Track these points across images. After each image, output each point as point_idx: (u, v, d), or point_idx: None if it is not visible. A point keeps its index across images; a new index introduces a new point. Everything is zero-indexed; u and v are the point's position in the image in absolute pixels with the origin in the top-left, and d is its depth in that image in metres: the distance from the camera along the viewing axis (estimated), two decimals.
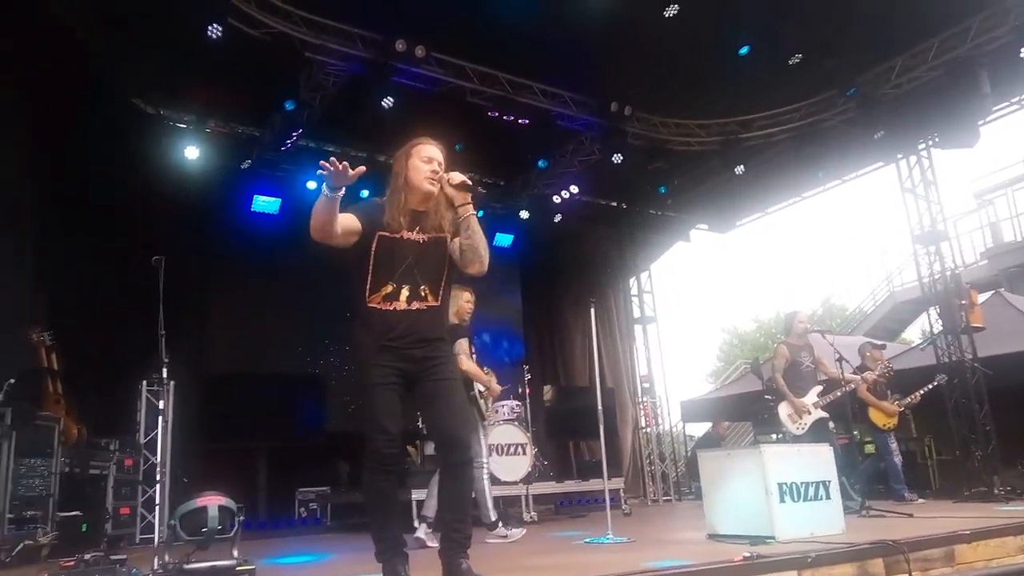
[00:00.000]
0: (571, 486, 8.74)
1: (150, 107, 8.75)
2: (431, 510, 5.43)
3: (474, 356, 5.77)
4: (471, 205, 3.18)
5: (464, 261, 3.20)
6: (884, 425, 7.85)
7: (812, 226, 56.45)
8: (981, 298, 9.45)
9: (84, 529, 5.79)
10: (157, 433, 6.73)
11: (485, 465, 5.67)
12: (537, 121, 8.97)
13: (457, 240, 3.22)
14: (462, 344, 5.55)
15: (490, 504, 5.58)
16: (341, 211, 3.05)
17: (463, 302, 5.68)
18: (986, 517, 5.11)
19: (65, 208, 7.88)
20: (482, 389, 5.77)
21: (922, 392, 7.94)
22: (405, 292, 3.15)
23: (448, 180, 3.19)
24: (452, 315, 5.48)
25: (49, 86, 7.21)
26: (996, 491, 7.47)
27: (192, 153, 8.62)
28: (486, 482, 5.63)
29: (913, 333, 19.10)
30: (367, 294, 3.18)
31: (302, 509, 8.83)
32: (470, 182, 3.19)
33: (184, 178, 8.59)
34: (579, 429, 10.42)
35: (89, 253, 7.92)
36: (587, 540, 5.08)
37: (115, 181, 8.10)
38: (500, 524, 5.59)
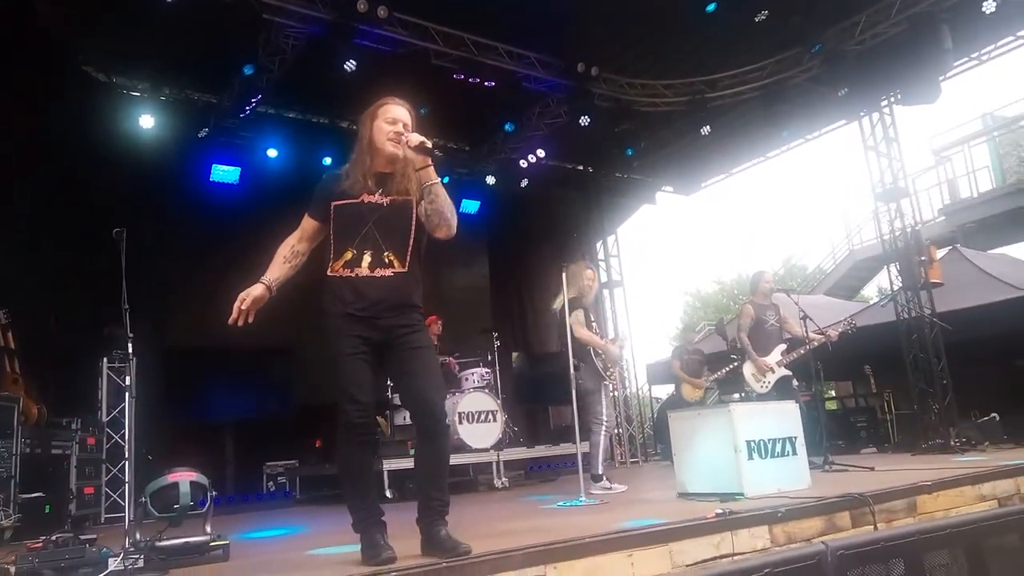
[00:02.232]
0: (542, 451, 8.82)
1: (102, 75, 8.45)
2: (599, 466, 5.98)
3: (594, 325, 6.24)
4: (431, 168, 3.11)
5: (430, 225, 3.14)
6: (691, 398, 8.69)
7: (774, 187, 57.06)
8: (939, 254, 9.66)
9: (47, 510, 5.68)
10: (119, 411, 6.63)
11: (604, 423, 6.10)
12: (503, 83, 8.83)
13: (422, 204, 3.15)
14: (578, 314, 6.04)
15: (601, 458, 6.01)
16: (309, 222, 3.21)
17: (586, 280, 6.26)
18: (944, 468, 5.29)
19: (17, 181, 7.60)
20: (600, 353, 6.12)
21: (726, 370, 8.40)
22: (367, 258, 3.08)
23: (407, 142, 3.11)
24: (574, 291, 6.13)
25: None
26: (952, 443, 7.71)
27: (147, 122, 8.37)
28: (602, 437, 6.07)
29: (871, 290, 19.52)
30: (330, 262, 3.13)
31: (270, 483, 8.78)
32: (429, 144, 3.09)
33: (140, 148, 8.35)
34: (548, 394, 10.49)
35: (43, 227, 7.69)
36: (560, 503, 5.14)
37: (68, 152, 7.83)
38: (605, 478, 5.94)
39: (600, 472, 5.97)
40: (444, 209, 3.11)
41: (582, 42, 8.84)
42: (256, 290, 3.07)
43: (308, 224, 3.22)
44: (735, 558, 3.24)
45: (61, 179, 7.82)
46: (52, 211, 7.75)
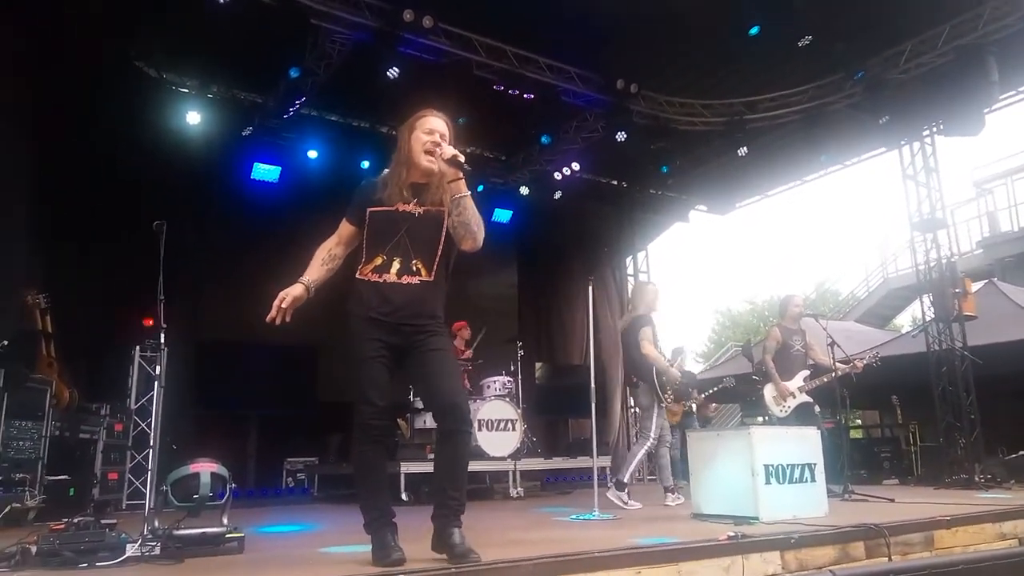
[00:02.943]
0: (559, 463, 8.82)
1: (153, 71, 8.66)
2: (627, 475, 6.10)
3: (658, 344, 6.32)
4: (462, 182, 3.16)
5: (456, 237, 3.20)
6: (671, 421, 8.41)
7: (810, 210, 56.37)
8: (975, 287, 9.49)
9: (72, 493, 5.82)
10: (147, 399, 6.78)
11: (650, 440, 6.19)
12: (542, 96, 8.88)
13: (450, 217, 3.21)
14: (646, 331, 6.19)
15: (632, 468, 6.20)
16: (346, 227, 3.30)
17: (650, 296, 6.45)
18: (965, 504, 5.19)
19: (64, 170, 7.82)
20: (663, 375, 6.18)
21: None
22: (396, 265, 3.15)
23: (440, 154, 3.17)
24: (641, 306, 6.35)
25: (52, 47, 7.13)
26: (977, 478, 7.57)
27: (194, 118, 8.57)
28: (642, 451, 6.22)
29: (904, 320, 19.19)
30: (361, 265, 3.22)
31: (289, 479, 8.90)
32: (461, 158, 3.14)
33: (185, 143, 8.56)
34: (569, 407, 10.49)
35: (87, 216, 7.89)
36: (573, 516, 5.14)
37: (116, 145, 8.05)
38: (627, 491, 6.03)
39: (625, 480, 6.06)
40: (471, 222, 3.15)
41: (622, 58, 8.86)
42: (296, 290, 3.16)
43: (345, 229, 3.31)
44: None
45: (109, 170, 8.05)
46: (98, 201, 7.96)
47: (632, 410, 12.08)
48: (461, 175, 3.16)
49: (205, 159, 8.77)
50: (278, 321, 3.14)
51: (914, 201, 9.38)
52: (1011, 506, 4.92)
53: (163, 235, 4.08)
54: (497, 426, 7.85)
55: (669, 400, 6.26)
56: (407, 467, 6.90)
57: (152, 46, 8.29)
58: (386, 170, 3.34)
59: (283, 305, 3.12)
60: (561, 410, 11.03)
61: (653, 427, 6.18)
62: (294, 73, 8.15)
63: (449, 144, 3.24)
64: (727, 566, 3.36)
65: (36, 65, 7.18)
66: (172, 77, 8.79)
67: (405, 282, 3.15)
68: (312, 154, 9.45)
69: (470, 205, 3.16)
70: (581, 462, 8.53)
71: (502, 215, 11.39)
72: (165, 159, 8.32)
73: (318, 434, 8.96)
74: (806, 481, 4.68)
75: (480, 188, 10.73)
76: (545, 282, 12.58)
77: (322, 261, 3.28)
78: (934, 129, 9.38)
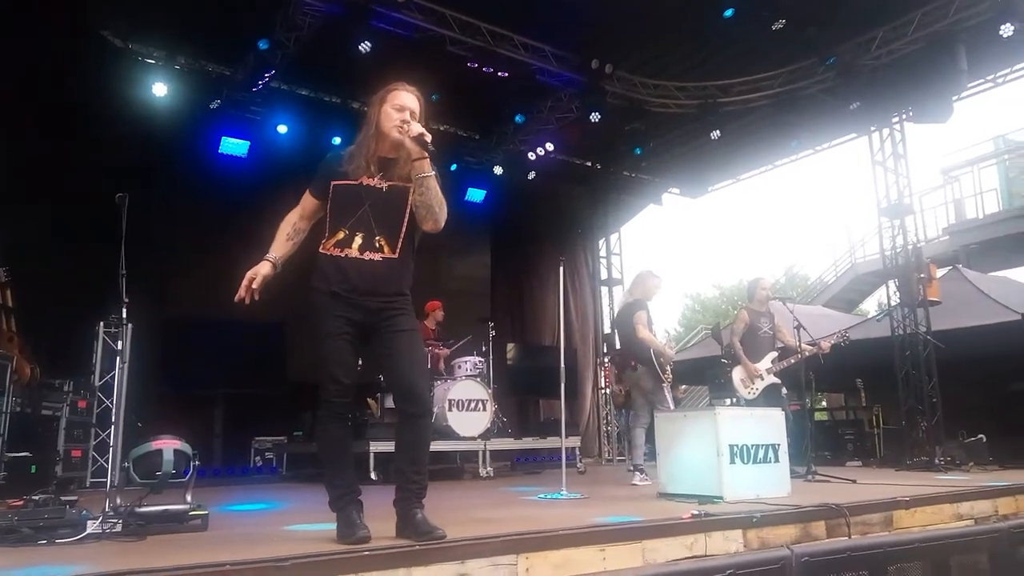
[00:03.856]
0: (529, 443, 8.86)
1: (118, 40, 8.46)
2: (639, 457, 6.40)
3: (652, 326, 6.53)
4: (427, 162, 3.10)
5: (418, 217, 3.16)
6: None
7: (780, 195, 56.91)
8: (940, 272, 9.65)
9: (33, 471, 5.71)
10: (112, 375, 6.67)
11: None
12: (516, 75, 8.83)
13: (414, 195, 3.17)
14: (640, 315, 6.38)
15: (640, 449, 6.47)
16: (309, 200, 3.26)
17: (650, 285, 6.64)
18: (925, 485, 5.31)
19: (26, 141, 7.62)
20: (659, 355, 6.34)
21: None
22: (358, 240, 3.11)
23: (407, 131, 3.12)
24: (639, 294, 6.55)
25: (13, 13, 6.90)
26: (937, 461, 7.75)
27: (160, 90, 8.39)
28: (638, 434, 6.52)
29: (871, 305, 19.51)
30: (324, 239, 3.18)
31: (257, 458, 8.84)
32: (428, 137, 3.10)
33: (151, 115, 8.38)
34: (540, 387, 10.51)
35: (49, 188, 7.71)
36: (541, 495, 5.18)
37: (79, 115, 7.86)
38: (641, 471, 6.25)
39: (640, 463, 6.35)
40: (432, 203, 3.11)
41: (598, 39, 8.84)
42: (263, 268, 3.15)
43: (308, 202, 3.27)
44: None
45: (72, 141, 7.86)
46: (61, 172, 7.78)
47: (603, 391, 12.21)
48: (426, 154, 3.11)
49: (172, 132, 8.59)
50: (247, 301, 3.11)
51: (882, 187, 9.49)
52: (968, 487, 5.05)
53: (125, 208, 3.99)
54: (467, 406, 7.85)
55: (669, 378, 6.40)
56: (376, 446, 6.87)
57: (118, 14, 8.07)
58: (351, 146, 3.29)
59: (253, 285, 3.10)
60: (532, 390, 11.05)
61: (669, 400, 6.35)
62: (263, 45, 8.02)
63: (419, 121, 3.18)
64: (690, 544, 3.41)
65: None
66: (138, 47, 8.60)
67: (367, 258, 3.11)
68: (282, 129, 9.30)
69: (433, 185, 3.11)
70: (551, 442, 8.57)
71: (475, 195, 11.32)
72: (131, 131, 8.14)
73: (287, 413, 8.88)
74: (770, 461, 4.76)
75: (453, 167, 10.65)
76: (518, 263, 12.59)
77: (287, 236, 3.25)
78: (903, 116, 9.48)
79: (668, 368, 6.35)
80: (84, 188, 7.57)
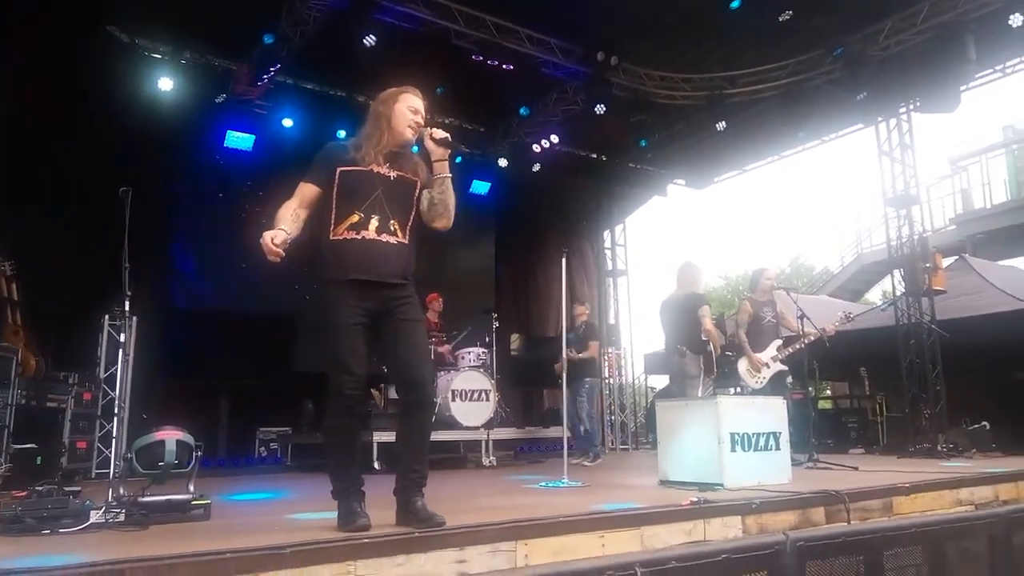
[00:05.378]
0: (531, 432, 8.90)
1: (125, 36, 8.46)
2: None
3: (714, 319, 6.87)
4: (447, 163, 3.26)
5: (432, 214, 3.25)
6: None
7: (786, 186, 56.66)
8: (945, 262, 9.63)
9: (39, 462, 5.75)
10: (117, 368, 6.72)
11: None
12: (521, 67, 8.79)
13: (427, 192, 3.26)
14: (706, 310, 6.64)
15: None
16: (308, 188, 3.20)
17: (701, 277, 6.97)
18: (926, 472, 5.31)
19: (32, 135, 7.66)
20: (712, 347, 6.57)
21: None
22: (375, 222, 3.14)
23: (431, 134, 3.26)
24: (691, 286, 6.73)
25: (22, 9, 6.93)
26: (940, 448, 7.76)
27: (166, 84, 8.41)
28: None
29: (876, 294, 19.44)
30: (332, 226, 3.16)
31: (262, 448, 8.87)
32: (450, 139, 3.27)
33: (156, 110, 8.40)
34: (544, 378, 10.50)
35: (55, 182, 7.74)
36: (542, 484, 5.20)
37: (86, 109, 7.89)
38: None
39: None
40: (449, 199, 3.25)
41: (603, 31, 8.79)
42: (281, 234, 3.03)
43: (308, 190, 3.21)
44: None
45: (79, 135, 7.89)
46: (67, 167, 7.81)
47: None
48: (447, 156, 3.25)
49: (177, 126, 8.61)
50: (273, 259, 3.00)
51: (889, 177, 9.45)
52: (969, 474, 5.06)
53: (128, 202, 4.02)
54: (471, 396, 7.88)
55: (714, 372, 6.64)
56: (380, 436, 6.92)
57: (125, 10, 8.09)
58: (354, 137, 3.33)
59: (275, 242, 2.98)
60: (536, 381, 11.06)
61: (700, 389, 6.48)
62: (268, 39, 8.01)
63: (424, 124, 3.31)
64: (689, 530, 3.42)
65: (3, 27, 6.99)
66: (144, 42, 8.60)
67: (384, 240, 3.15)
68: (287, 123, 9.31)
69: (450, 185, 3.26)
70: (554, 432, 8.60)
71: (480, 187, 11.31)
72: (137, 125, 8.16)
73: (291, 404, 8.93)
74: (771, 449, 4.77)
75: (458, 159, 10.56)
76: (522, 254, 12.57)
77: (291, 218, 3.14)
78: (911, 106, 9.43)
79: (714, 362, 6.56)
80: (90, 182, 7.61)
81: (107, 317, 7.15)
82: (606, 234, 13.15)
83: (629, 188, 13.08)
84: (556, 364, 8.12)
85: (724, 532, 3.52)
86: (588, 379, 7.92)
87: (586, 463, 7.44)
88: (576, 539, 3.14)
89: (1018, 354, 8.31)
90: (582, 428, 7.75)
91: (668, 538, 3.36)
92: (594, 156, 12.46)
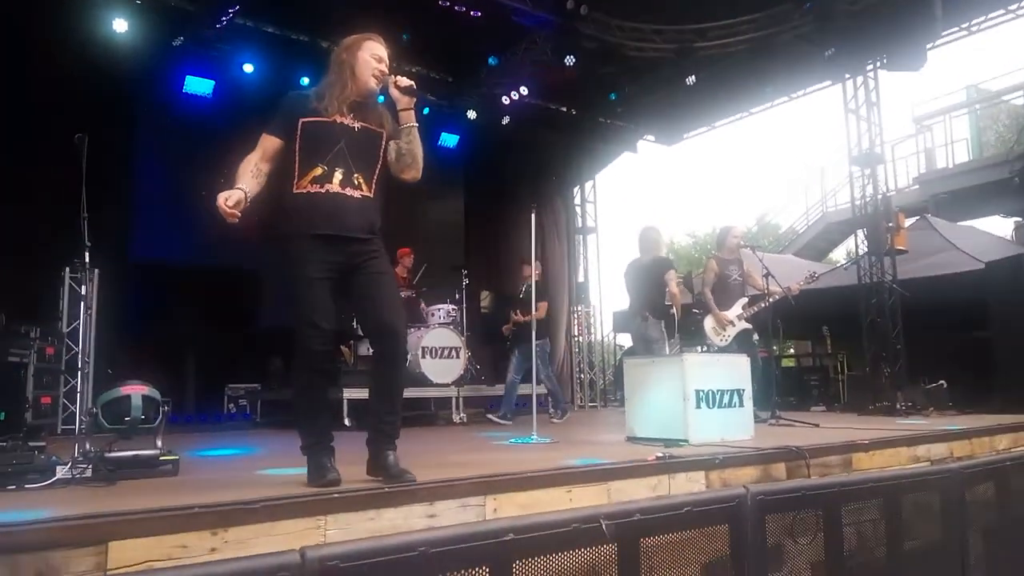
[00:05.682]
0: (501, 389, 8.95)
1: None
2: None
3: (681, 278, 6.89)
4: (412, 112, 3.21)
5: (401, 165, 3.21)
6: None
7: (755, 144, 56.95)
8: (908, 222, 9.79)
9: (2, 417, 5.65)
10: (80, 322, 6.58)
11: None
12: (489, 15, 8.63)
13: (394, 143, 3.21)
14: (672, 274, 6.67)
15: None
16: (270, 140, 3.12)
17: (664, 240, 7.08)
18: (885, 429, 5.48)
19: None
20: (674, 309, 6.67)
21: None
22: (338, 175, 3.08)
23: (395, 82, 3.18)
24: (654, 250, 6.77)
25: None
26: (899, 406, 7.97)
27: (121, 26, 8.10)
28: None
29: (840, 253, 19.78)
30: (295, 180, 3.10)
31: (231, 405, 8.83)
32: (416, 88, 3.20)
33: (112, 53, 8.11)
34: (514, 334, 10.57)
35: (8, 128, 7.46)
36: (512, 440, 5.27)
37: (37, 52, 7.57)
38: None
39: None
40: (416, 149, 3.19)
41: None
42: (236, 193, 2.96)
43: (270, 143, 3.13)
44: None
45: (33, 79, 7.59)
46: (21, 112, 7.52)
47: (576, 338, 12.34)
48: (413, 104, 3.19)
49: (134, 69, 8.34)
50: (231, 221, 2.94)
51: (854, 135, 9.54)
52: (926, 431, 5.23)
53: (84, 149, 3.88)
54: (441, 354, 7.90)
55: (677, 339, 6.69)
56: (350, 393, 6.91)
57: None
58: (316, 87, 3.24)
59: (229, 204, 2.91)
60: (506, 338, 11.11)
61: (667, 352, 6.56)
62: None
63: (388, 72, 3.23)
64: (654, 485, 3.50)
65: None
66: None
67: (348, 193, 3.09)
68: (248, 68, 9.05)
69: (417, 135, 3.21)
70: (523, 389, 8.66)
71: (449, 139, 11.17)
72: (91, 68, 7.90)
73: (260, 360, 8.86)
74: (734, 406, 4.87)
75: (426, 111, 10.45)
76: (493, 209, 12.48)
77: (252, 174, 3.08)
78: (878, 64, 9.47)
79: (675, 325, 6.63)
80: (44, 128, 7.35)
81: (68, 269, 6.98)
82: (576, 191, 13.12)
83: (599, 144, 13.01)
84: (503, 327, 8.22)
85: (688, 487, 3.60)
86: (539, 341, 7.97)
87: (555, 420, 7.53)
88: (544, 494, 3.19)
89: (977, 314, 8.54)
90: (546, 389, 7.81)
91: (634, 492, 3.43)
92: (564, 110, 12.34)
